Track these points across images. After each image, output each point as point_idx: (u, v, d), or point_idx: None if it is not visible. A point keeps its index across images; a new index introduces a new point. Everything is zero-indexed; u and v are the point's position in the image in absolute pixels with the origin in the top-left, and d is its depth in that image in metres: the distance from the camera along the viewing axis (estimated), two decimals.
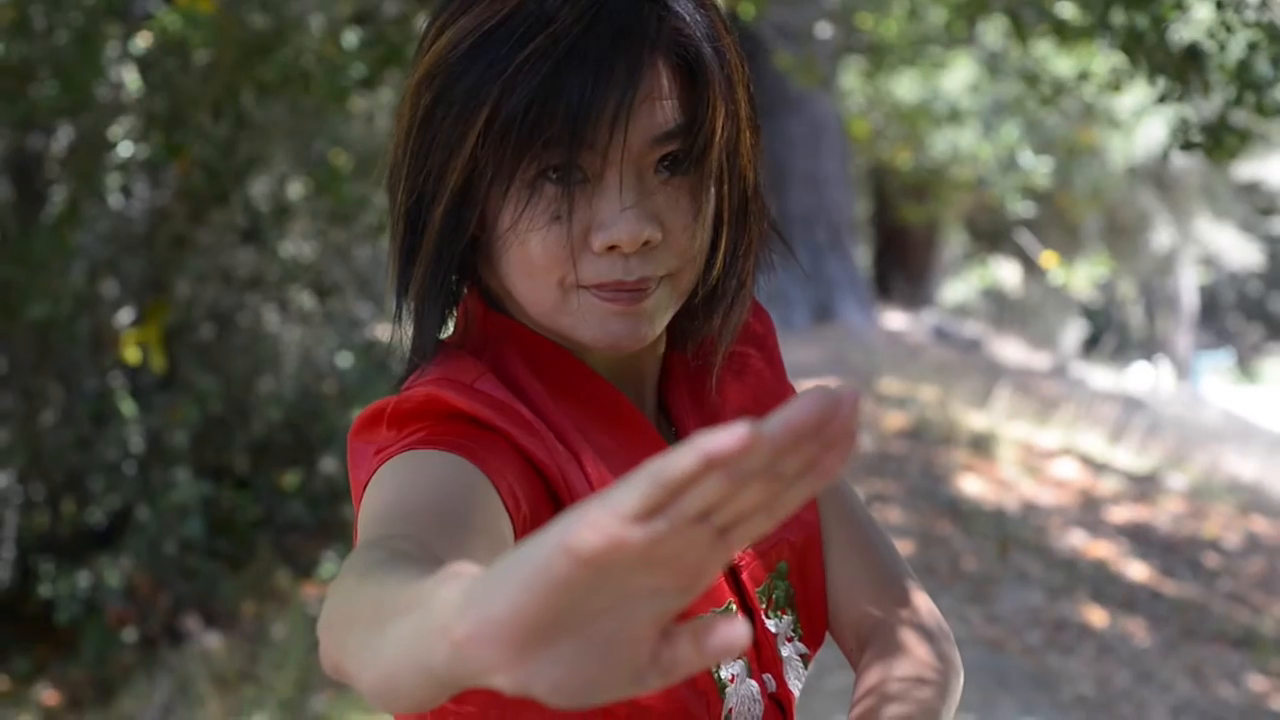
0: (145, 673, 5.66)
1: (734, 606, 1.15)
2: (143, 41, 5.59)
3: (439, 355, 1.12)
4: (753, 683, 1.16)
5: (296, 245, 7.05)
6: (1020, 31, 4.65)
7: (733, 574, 1.17)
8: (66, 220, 5.78)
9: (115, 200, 6.26)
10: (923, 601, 1.25)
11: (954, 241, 19.01)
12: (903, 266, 15.57)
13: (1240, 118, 3.81)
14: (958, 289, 20.89)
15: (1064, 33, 4.45)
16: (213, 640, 5.88)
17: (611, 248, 1.05)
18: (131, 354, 6.04)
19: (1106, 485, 7.51)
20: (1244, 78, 3.57)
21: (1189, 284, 22.04)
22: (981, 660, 4.93)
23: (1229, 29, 3.51)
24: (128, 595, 5.90)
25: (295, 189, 6.81)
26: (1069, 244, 17.02)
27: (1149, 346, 21.90)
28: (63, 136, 6.12)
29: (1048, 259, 10.73)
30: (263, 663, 5.47)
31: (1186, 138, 3.73)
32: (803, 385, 0.67)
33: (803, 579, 1.22)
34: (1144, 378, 16.94)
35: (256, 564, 6.32)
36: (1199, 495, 7.73)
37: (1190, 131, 3.73)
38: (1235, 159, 3.80)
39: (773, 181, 10.58)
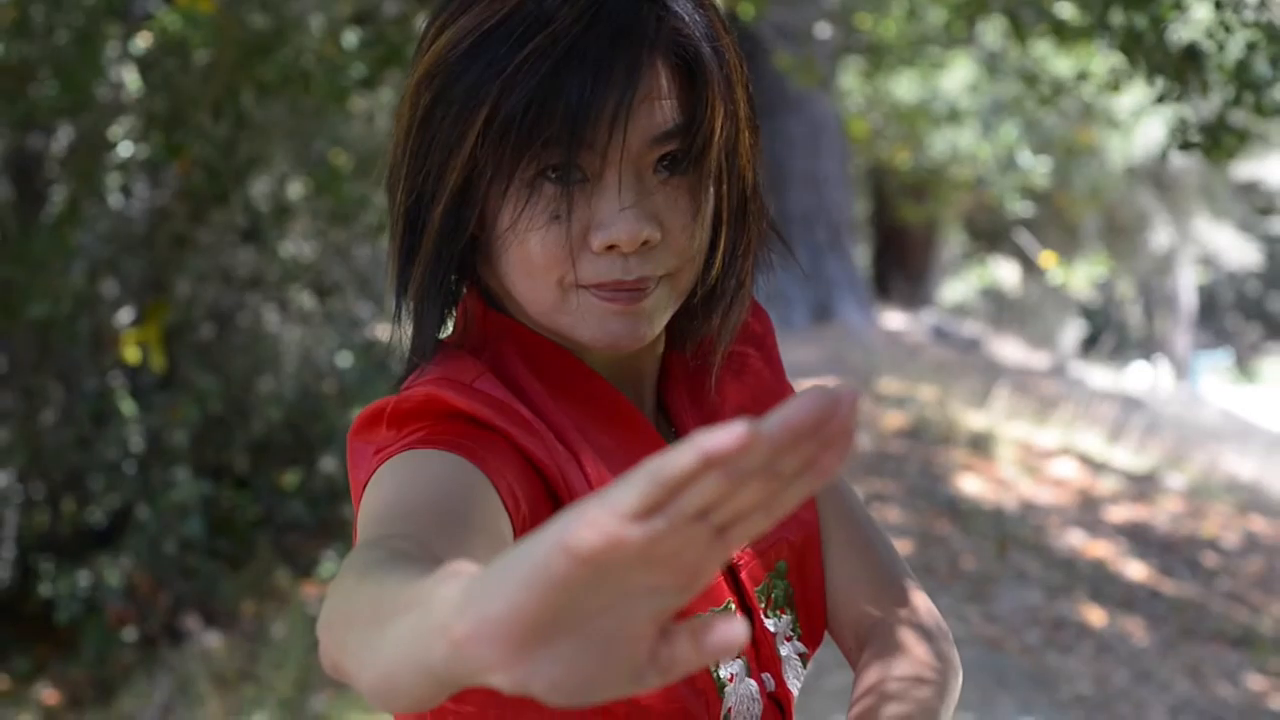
0: (145, 672, 5.66)
1: (733, 606, 1.15)
2: (143, 41, 5.59)
3: (438, 355, 1.12)
4: (751, 682, 1.16)
5: (296, 245, 7.05)
6: (1019, 31, 4.65)
7: (732, 573, 1.17)
8: (66, 220, 5.78)
9: (115, 200, 6.26)
10: (921, 601, 1.25)
11: (953, 241, 19.01)
12: (902, 266, 15.57)
13: (1239, 118, 3.82)
14: (957, 289, 20.89)
15: (1063, 33, 4.46)
16: (213, 640, 5.88)
17: (611, 247, 1.05)
18: (131, 353, 6.04)
19: (1105, 485, 7.51)
20: (1242, 78, 3.57)
21: (1187, 284, 22.05)
22: (980, 659, 4.93)
23: (1227, 29, 3.52)
24: (128, 594, 5.90)
25: (295, 189, 6.81)
26: (1068, 244, 17.02)
27: (1148, 346, 21.91)
28: (63, 136, 6.12)
29: (1046, 259, 10.72)
30: (263, 662, 5.47)
31: (1185, 137, 3.73)
32: (802, 385, 0.67)
33: (801, 578, 1.22)
34: (1143, 377, 16.94)
35: (256, 563, 6.32)
36: (1197, 495, 7.73)
37: (1189, 131, 3.73)
38: (1234, 159, 3.81)
39: (772, 181, 10.59)
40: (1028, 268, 17.97)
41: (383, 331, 7.03)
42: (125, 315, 6.34)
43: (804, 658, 1.22)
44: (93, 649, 5.78)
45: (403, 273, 1.12)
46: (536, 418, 1.09)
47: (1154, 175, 17.31)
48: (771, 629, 1.19)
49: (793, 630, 1.21)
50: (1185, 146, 3.74)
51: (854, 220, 13.39)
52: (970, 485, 7.01)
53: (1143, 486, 7.65)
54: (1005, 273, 20.15)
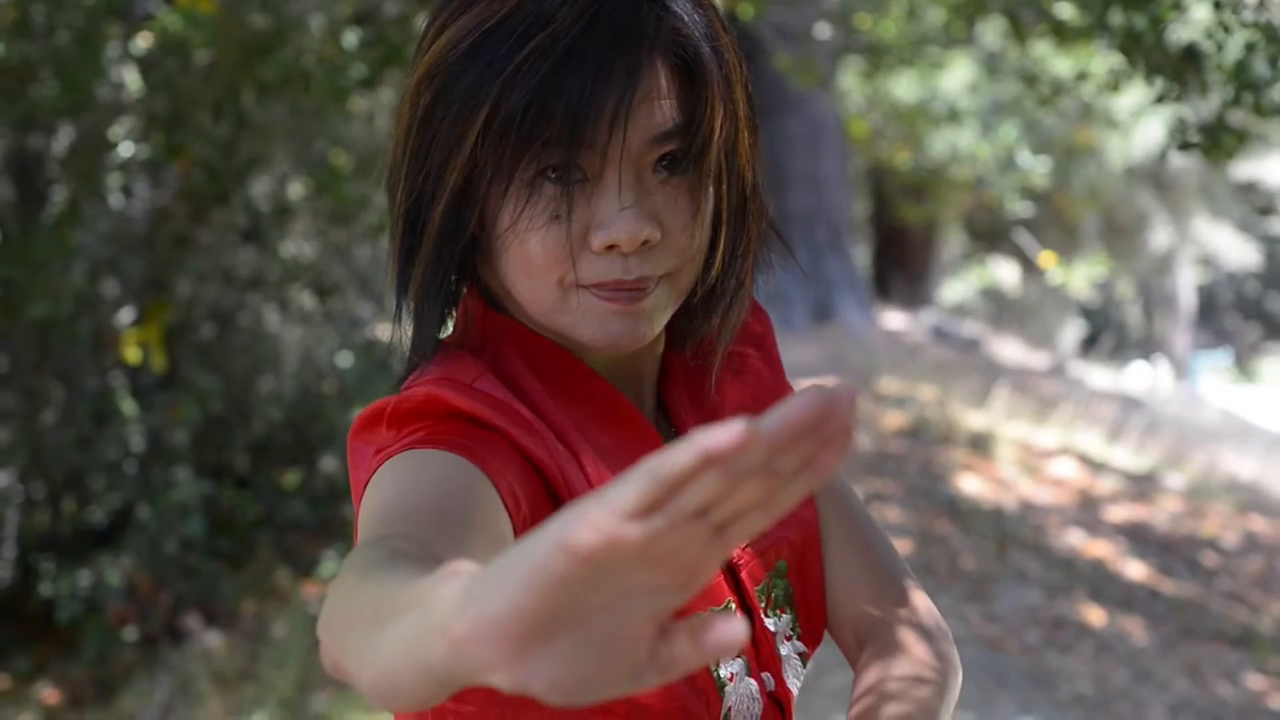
0: (146, 672, 5.66)
1: (733, 605, 1.15)
2: (143, 42, 5.59)
3: (439, 355, 1.13)
4: (752, 681, 1.16)
5: (297, 245, 7.05)
6: (1018, 32, 4.65)
7: (732, 573, 1.17)
8: (67, 220, 5.79)
9: (116, 200, 6.26)
10: (921, 600, 1.25)
11: (953, 241, 19.01)
12: (901, 266, 15.57)
13: (1238, 118, 3.82)
14: (956, 289, 20.88)
15: (1062, 33, 4.46)
16: (213, 639, 5.88)
17: (610, 247, 1.05)
18: (132, 353, 6.04)
19: (1105, 484, 7.51)
20: (1242, 78, 3.57)
21: (1187, 284, 22.05)
22: (980, 659, 4.93)
23: (1227, 29, 3.52)
24: (128, 594, 5.90)
25: (296, 189, 6.81)
26: (1067, 244, 17.02)
27: (1147, 346, 21.90)
28: (63, 136, 6.13)
29: (1046, 259, 10.71)
30: (263, 662, 5.48)
31: (1184, 138, 3.73)
32: (801, 385, 0.68)
33: (801, 578, 1.23)
34: (1142, 377, 16.94)
35: (257, 563, 6.32)
36: (1197, 494, 7.74)
37: (1188, 131, 3.73)
38: (1233, 159, 3.81)
39: (772, 181, 10.59)
40: (1027, 268, 17.97)
41: (383, 331, 7.03)
42: (126, 315, 6.34)
43: (804, 657, 1.22)
44: (93, 648, 5.78)
45: (403, 273, 1.12)
46: (537, 418, 1.09)
47: (1153, 175, 17.32)
48: (771, 628, 1.19)
49: (792, 629, 1.21)
50: (1184, 147, 3.74)
51: (854, 220, 13.39)
52: (970, 485, 7.01)
53: (1142, 486, 7.65)
54: (1005, 273, 20.15)
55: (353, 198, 6.11)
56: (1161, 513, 7.20)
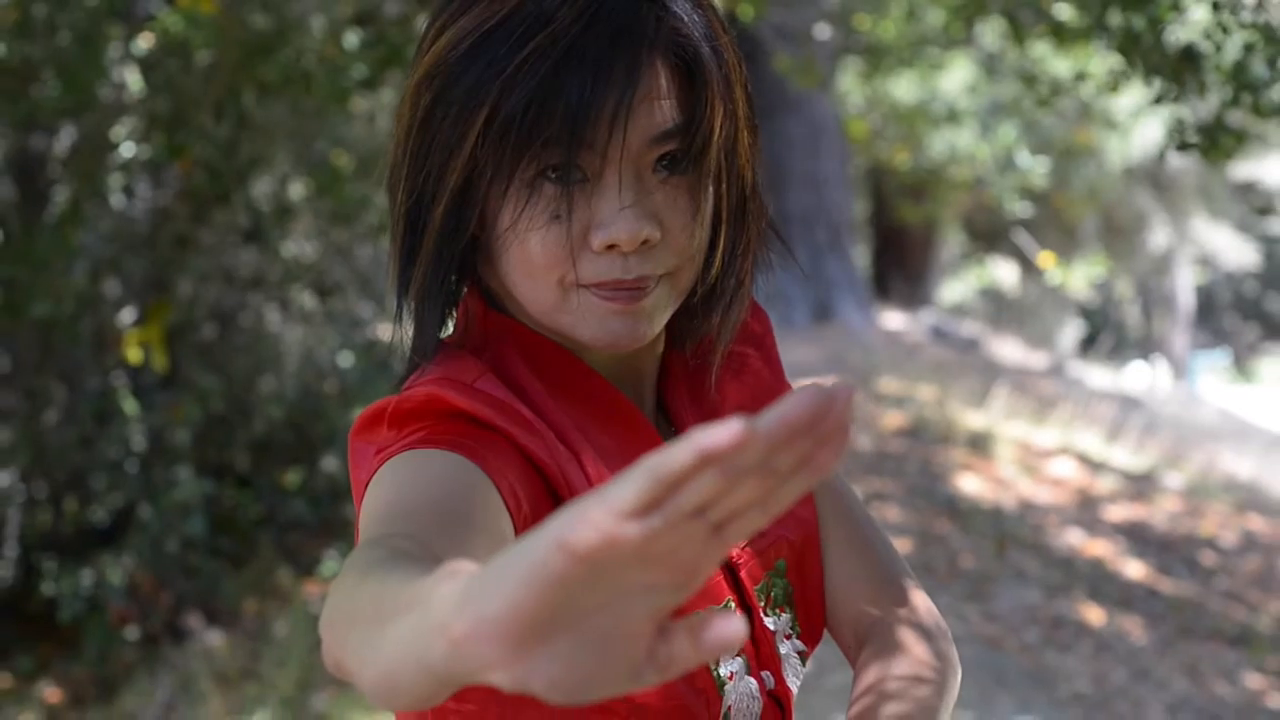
0: (147, 670, 5.66)
1: (732, 604, 1.16)
2: (145, 42, 5.59)
3: (439, 355, 1.13)
4: (751, 680, 1.16)
5: (298, 245, 7.05)
6: (1018, 32, 4.66)
7: (731, 572, 1.17)
8: (69, 220, 5.79)
9: (117, 200, 6.26)
10: (921, 600, 1.25)
11: (952, 241, 18.99)
12: (901, 266, 15.57)
13: (1236, 118, 3.82)
14: (956, 289, 20.86)
15: (1061, 34, 4.46)
16: (215, 638, 5.89)
17: (611, 246, 1.05)
18: (134, 353, 6.05)
19: (1103, 484, 7.52)
20: (1240, 78, 3.58)
21: (1185, 284, 22.03)
22: (979, 658, 4.94)
23: (1225, 30, 3.52)
24: (130, 593, 5.91)
25: (297, 189, 6.81)
26: (1066, 244, 17.02)
27: (1146, 346, 21.89)
28: (65, 137, 6.13)
29: (1045, 259, 10.72)
30: (264, 661, 5.48)
31: (1183, 138, 3.74)
32: (800, 384, 0.68)
33: (801, 577, 1.23)
34: (1141, 377, 16.93)
35: (258, 562, 6.32)
36: (1195, 494, 7.74)
37: (1187, 132, 3.74)
38: (1231, 159, 3.81)
39: (772, 182, 10.59)
40: (1026, 268, 17.95)
41: (384, 331, 7.04)
42: (127, 315, 6.35)
43: (803, 656, 1.22)
44: (95, 647, 5.78)
45: (403, 273, 1.13)
46: (537, 417, 1.09)
47: (1152, 176, 17.31)
48: (771, 627, 1.19)
49: (792, 628, 1.22)
50: (1183, 147, 3.75)
51: (853, 220, 13.38)
52: (969, 484, 7.02)
53: (1141, 486, 7.66)
54: (1004, 273, 20.13)
55: (354, 198, 6.11)
56: (1160, 512, 7.20)
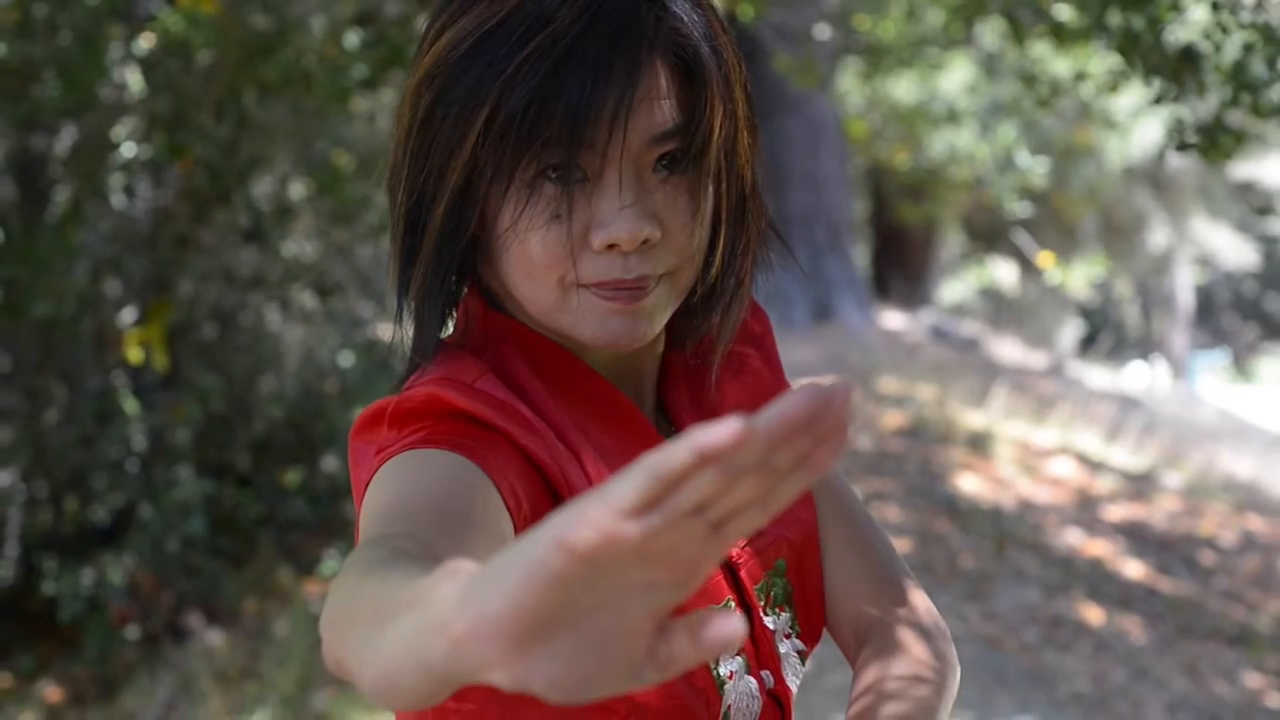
0: (148, 670, 5.66)
1: (732, 603, 1.16)
2: (145, 42, 5.60)
3: (440, 355, 1.13)
4: (751, 679, 1.16)
5: (298, 245, 7.06)
6: (1017, 33, 4.66)
7: (730, 571, 1.17)
8: (70, 220, 5.80)
9: (118, 200, 6.27)
10: (920, 599, 1.25)
11: (951, 241, 18.99)
12: (901, 266, 15.57)
13: (1236, 118, 3.82)
14: (955, 288, 20.86)
15: (1061, 34, 4.46)
16: (215, 637, 5.89)
17: (611, 246, 1.05)
18: (134, 353, 6.05)
19: (1103, 484, 7.52)
20: (1239, 79, 3.58)
21: (1185, 283, 22.03)
22: (979, 657, 4.94)
23: (1224, 30, 3.53)
24: (130, 593, 5.91)
25: (297, 189, 6.82)
26: (1066, 244, 17.02)
27: (1145, 346, 21.89)
28: (66, 137, 6.13)
29: (1044, 259, 10.73)
30: (265, 660, 5.48)
31: (1182, 138, 3.74)
32: (800, 384, 0.68)
33: (800, 576, 1.23)
34: (1140, 377, 16.93)
35: (258, 562, 6.33)
36: (1195, 494, 7.74)
37: (1186, 132, 3.74)
38: (1231, 159, 3.82)
39: (772, 182, 10.59)
40: (1026, 268, 17.95)
41: (384, 331, 7.04)
42: (128, 315, 6.35)
43: (803, 655, 1.22)
44: (95, 647, 5.79)
45: (404, 273, 1.13)
46: (537, 417, 1.09)
47: (1151, 175, 17.31)
48: (771, 626, 1.19)
49: (791, 628, 1.22)
50: (1182, 147, 3.75)
51: (853, 220, 13.38)
52: (969, 484, 7.02)
53: (1140, 485, 7.66)
54: (1003, 273, 20.13)
55: (354, 198, 6.11)
56: (1159, 512, 7.21)
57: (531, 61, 1.02)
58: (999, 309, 19.69)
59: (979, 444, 7.67)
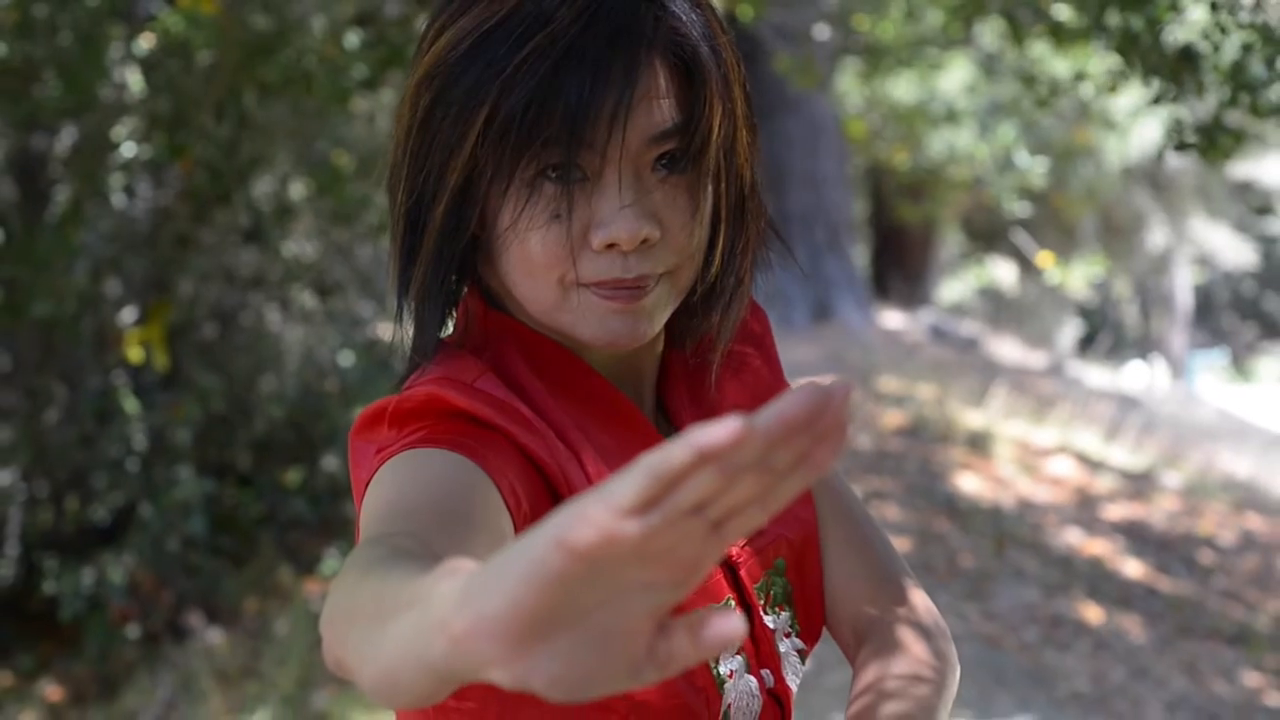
0: (148, 669, 5.66)
1: (732, 602, 1.16)
2: (146, 42, 5.60)
3: (440, 354, 1.13)
4: (751, 678, 1.16)
5: (299, 245, 7.06)
6: (1016, 33, 4.66)
7: (730, 570, 1.18)
8: (70, 220, 5.80)
9: (118, 200, 6.27)
10: (920, 598, 1.25)
11: (951, 241, 18.99)
12: (900, 266, 15.57)
13: (1235, 118, 3.82)
14: (954, 288, 20.85)
15: (1060, 34, 4.46)
16: (215, 637, 5.89)
17: (610, 245, 1.05)
18: (134, 352, 6.05)
19: (1102, 483, 7.52)
20: (1238, 79, 3.58)
21: (1184, 283, 22.02)
22: (978, 657, 4.94)
23: (1223, 30, 3.53)
24: (131, 592, 5.91)
25: (297, 189, 6.82)
26: (1065, 243, 17.02)
27: (1144, 345, 21.88)
28: (66, 137, 6.13)
29: (1044, 258, 10.75)
30: (265, 659, 5.48)
31: (1181, 138, 3.74)
32: (799, 383, 0.69)
33: (800, 575, 1.23)
34: (1139, 376, 16.93)
35: (259, 561, 6.33)
36: (1194, 493, 7.75)
37: (1185, 132, 3.74)
38: (1230, 159, 3.82)
39: (771, 181, 10.59)
40: (1025, 267, 17.95)
41: (384, 331, 7.04)
42: (128, 314, 6.35)
43: (802, 654, 1.23)
44: (96, 646, 5.79)
45: (404, 273, 1.13)
46: (537, 417, 1.09)
47: (1150, 175, 17.31)
48: (770, 625, 1.19)
49: (791, 627, 1.22)
50: (1181, 147, 3.75)
51: (852, 220, 13.38)
52: (968, 483, 7.02)
53: (1139, 485, 7.66)
54: (1003, 272, 20.13)
55: (354, 198, 6.11)
56: (1159, 511, 7.21)
57: (531, 61, 1.02)
58: (998, 309, 19.69)
59: (978, 443, 7.67)
